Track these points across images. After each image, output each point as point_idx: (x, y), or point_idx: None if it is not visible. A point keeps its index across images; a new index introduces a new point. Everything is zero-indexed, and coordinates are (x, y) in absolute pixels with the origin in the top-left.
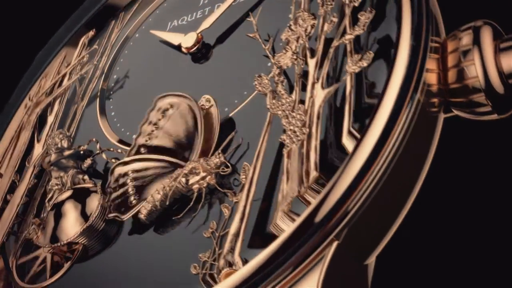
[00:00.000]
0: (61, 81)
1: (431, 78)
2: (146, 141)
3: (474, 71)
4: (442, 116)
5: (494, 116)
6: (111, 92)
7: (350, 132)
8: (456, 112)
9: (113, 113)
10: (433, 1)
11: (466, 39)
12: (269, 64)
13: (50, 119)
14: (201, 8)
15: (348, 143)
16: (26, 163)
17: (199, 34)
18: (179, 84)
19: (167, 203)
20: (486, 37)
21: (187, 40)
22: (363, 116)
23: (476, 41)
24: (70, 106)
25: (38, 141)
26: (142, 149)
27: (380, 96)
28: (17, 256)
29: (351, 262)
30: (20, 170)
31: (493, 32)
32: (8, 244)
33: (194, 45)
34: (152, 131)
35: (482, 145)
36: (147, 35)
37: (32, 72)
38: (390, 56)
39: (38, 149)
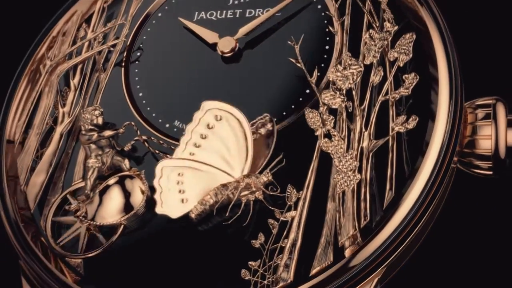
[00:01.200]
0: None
1: None
2: (195, 144)
3: (488, 145)
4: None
5: (492, 176)
6: (136, 70)
7: (394, 183)
8: (458, 166)
9: (140, 94)
10: None
11: (482, 114)
12: (307, 91)
13: (73, 85)
14: (231, 8)
15: (391, 193)
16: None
17: (236, 40)
18: (210, 82)
19: (227, 214)
20: (501, 115)
21: (225, 44)
22: (404, 172)
23: (494, 118)
24: (92, 76)
25: (63, 106)
26: (190, 152)
27: (423, 155)
28: (46, 220)
29: None
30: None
31: (505, 109)
32: (36, 206)
33: (231, 50)
34: (202, 136)
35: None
36: (171, 17)
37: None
38: (428, 119)
39: (64, 117)
